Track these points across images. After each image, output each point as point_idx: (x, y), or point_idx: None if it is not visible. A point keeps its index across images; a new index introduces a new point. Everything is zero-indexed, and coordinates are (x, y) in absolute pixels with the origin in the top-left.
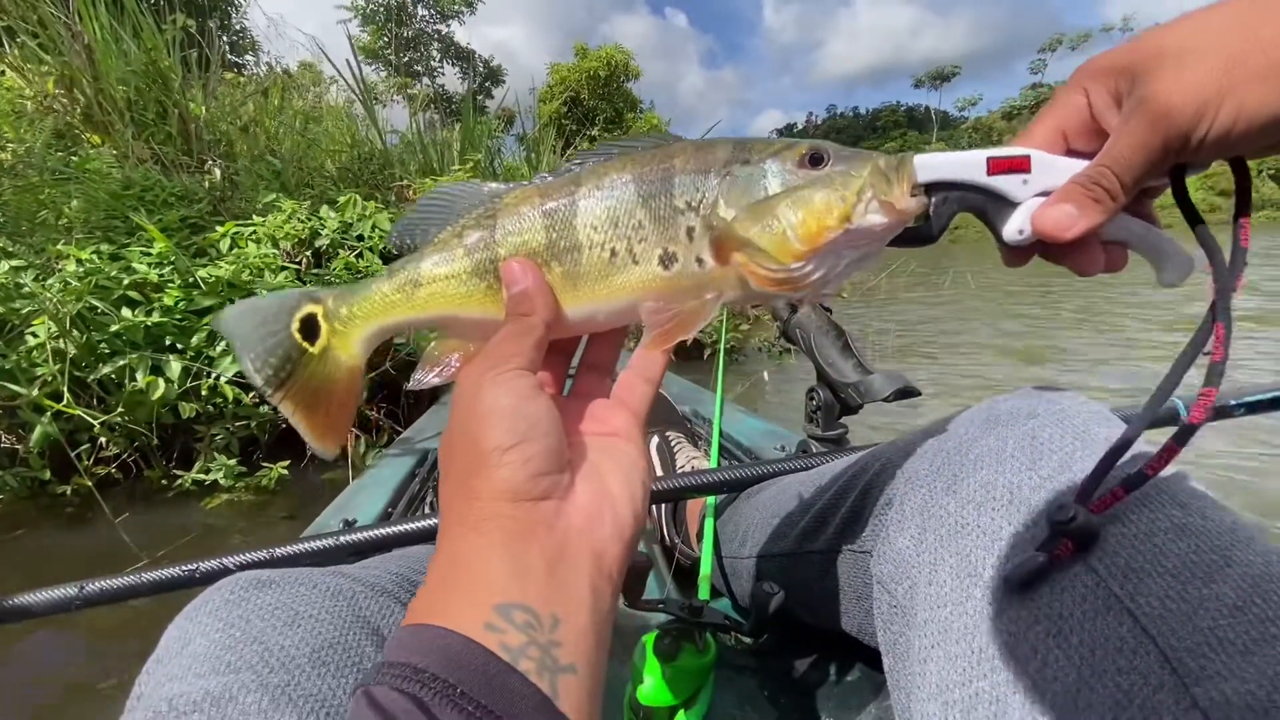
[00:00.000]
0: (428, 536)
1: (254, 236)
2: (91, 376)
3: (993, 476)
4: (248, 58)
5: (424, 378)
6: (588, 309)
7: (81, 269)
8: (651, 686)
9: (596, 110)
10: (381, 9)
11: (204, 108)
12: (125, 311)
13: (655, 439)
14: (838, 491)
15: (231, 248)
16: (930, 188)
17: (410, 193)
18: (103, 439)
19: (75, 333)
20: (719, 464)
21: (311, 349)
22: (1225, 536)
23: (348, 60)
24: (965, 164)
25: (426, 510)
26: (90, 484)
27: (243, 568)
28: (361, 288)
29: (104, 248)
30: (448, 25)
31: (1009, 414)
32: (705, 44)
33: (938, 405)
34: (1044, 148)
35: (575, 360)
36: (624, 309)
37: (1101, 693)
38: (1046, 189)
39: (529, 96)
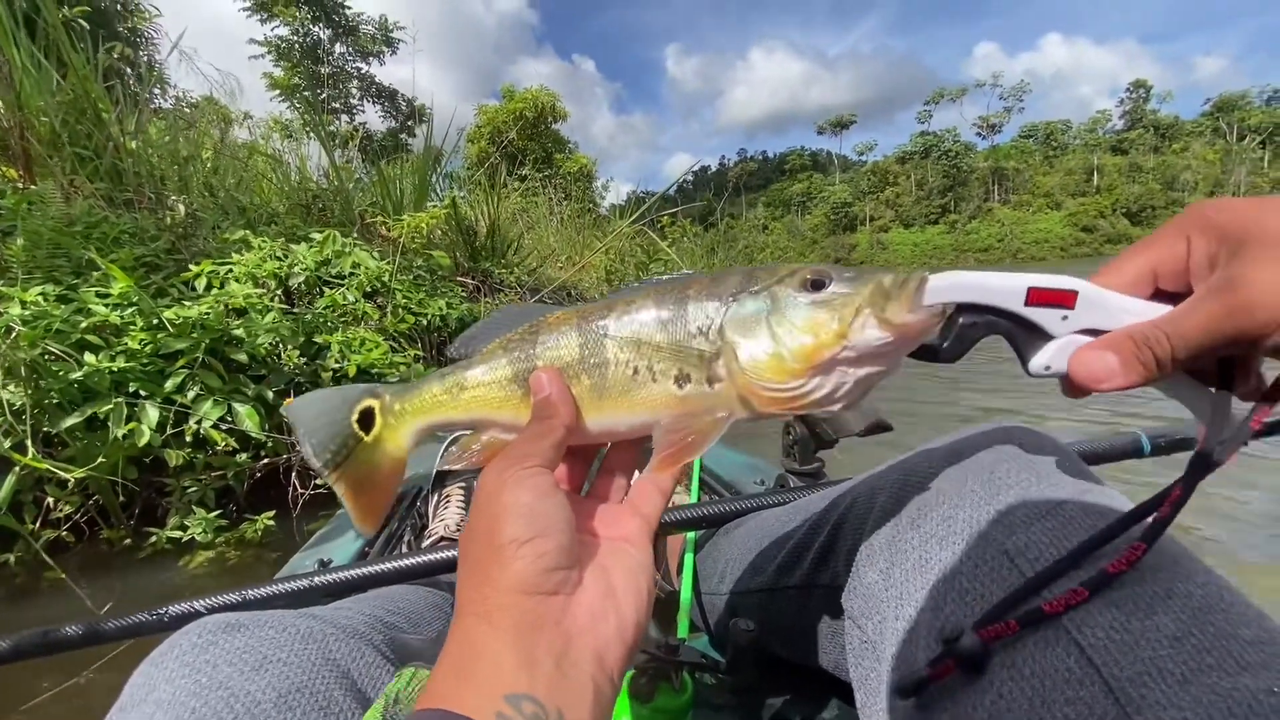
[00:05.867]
0: (404, 576)
1: (232, 275)
2: (57, 427)
3: (953, 511)
4: (154, 91)
5: (453, 463)
6: (610, 420)
7: (28, 312)
8: None
9: (526, 150)
10: (297, 46)
11: (134, 141)
12: (89, 357)
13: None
14: (811, 527)
15: (208, 287)
16: (962, 308)
17: (384, 229)
18: (51, 498)
19: (22, 381)
20: (699, 498)
21: (366, 438)
22: (1168, 569)
23: (307, 105)
24: (1004, 291)
25: (404, 549)
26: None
27: (213, 610)
28: (414, 388)
29: (50, 289)
30: (368, 64)
31: (970, 448)
32: (614, 90)
33: (909, 437)
34: (1134, 282)
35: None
36: (642, 423)
37: None
38: (1089, 326)
39: (453, 134)
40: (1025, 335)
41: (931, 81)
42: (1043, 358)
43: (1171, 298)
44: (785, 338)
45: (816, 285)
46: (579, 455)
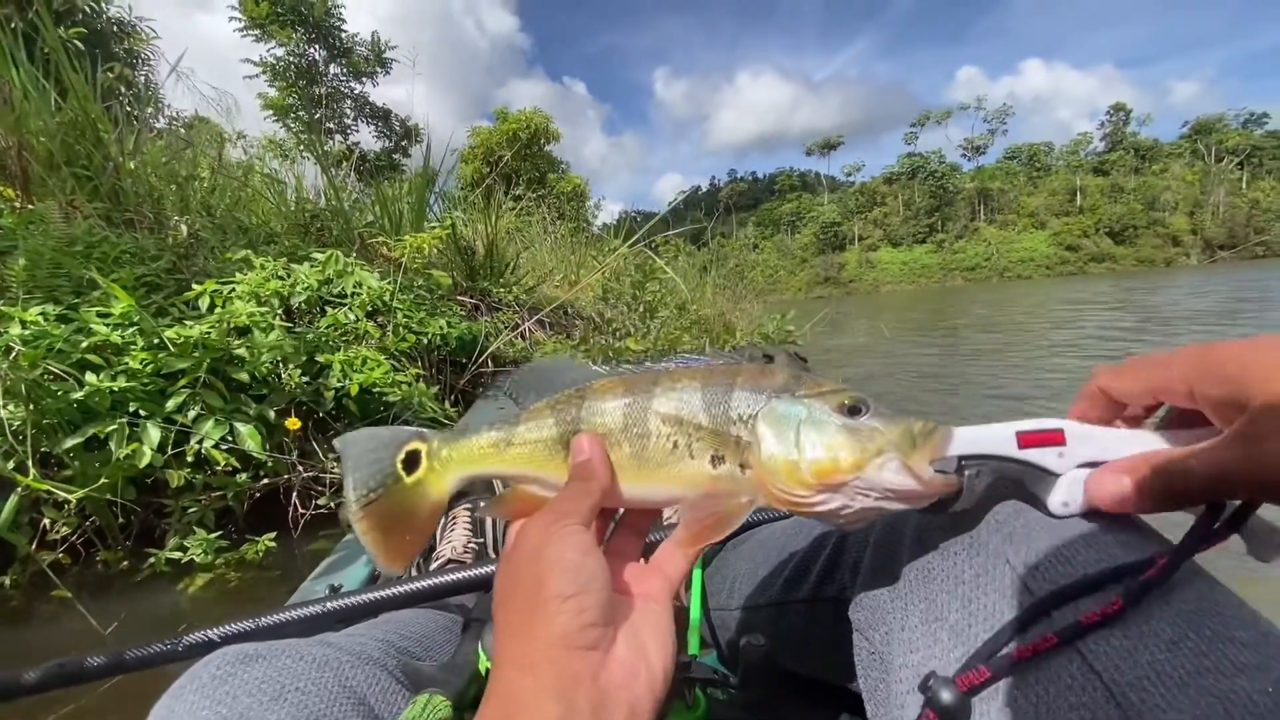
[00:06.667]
0: (414, 600)
1: (234, 294)
2: (57, 447)
3: (955, 522)
4: (148, 111)
5: (484, 512)
6: (643, 489)
7: (28, 332)
8: None
9: (520, 171)
10: (292, 66)
11: (132, 161)
12: (90, 377)
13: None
14: (817, 540)
15: (211, 307)
16: (963, 460)
17: (385, 249)
18: (48, 519)
19: (22, 401)
20: None
21: (407, 480)
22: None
23: (304, 125)
24: (995, 439)
25: (413, 573)
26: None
27: (227, 640)
28: (463, 436)
29: (49, 309)
30: (361, 84)
31: None
32: (605, 112)
33: None
34: (1137, 394)
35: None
36: (673, 496)
37: None
38: (1087, 460)
39: (448, 156)
40: (1032, 477)
41: (916, 104)
42: (1057, 497)
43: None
44: (807, 449)
45: (853, 411)
46: (601, 514)
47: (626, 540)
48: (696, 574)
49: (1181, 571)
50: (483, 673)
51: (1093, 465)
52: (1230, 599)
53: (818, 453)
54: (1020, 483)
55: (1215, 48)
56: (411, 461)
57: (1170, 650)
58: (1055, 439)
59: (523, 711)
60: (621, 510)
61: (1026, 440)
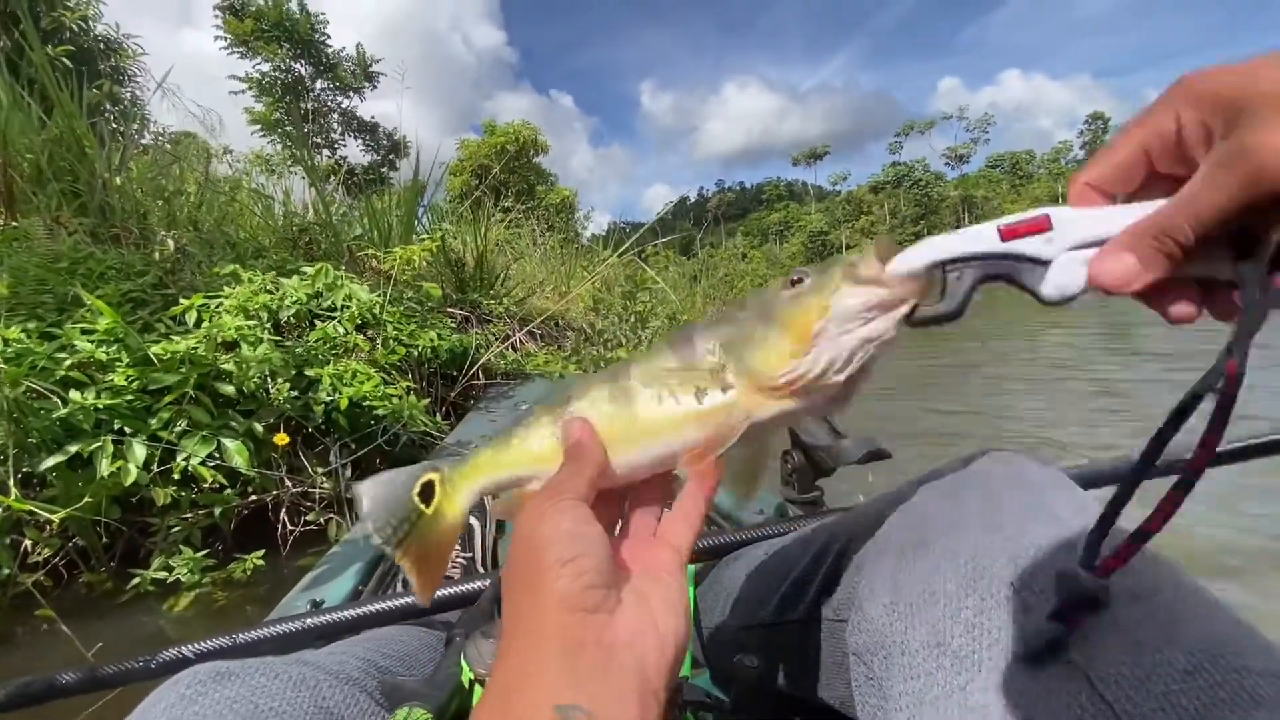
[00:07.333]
0: (399, 616)
1: (222, 309)
2: (38, 467)
3: (954, 544)
4: (135, 127)
5: (500, 514)
6: (639, 451)
7: (10, 349)
8: None
9: (508, 183)
10: (279, 82)
11: (118, 177)
12: (74, 394)
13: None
14: (813, 559)
15: (199, 321)
16: (946, 266)
17: (375, 262)
18: (30, 540)
19: (4, 419)
20: None
21: (427, 510)
22: (1178, 601)
23: (291, 139)
24: (975, 238)
25: (399, 589)
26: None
27: (202, 657)
28: (467, 455)
29: (32, 326)
30: (349, 98)
31: (968, 479)
32: (592, 124)
33: (910, 464)
34: (1128, 163)
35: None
36: (670, 448)
37: None
38: (1079, 241)
39: (436, 168)
40: (1021, 269)
41: (900, 114)
42: (1050, 283)
43: (1163, 180)
44: (776, 324)
45: (796, 282)
46: (609, 499)
47: (639, 520)
48: (689, 591)
49: (1193, 598)
50: (465, 685)
51: (1085, 246)
52: (1243, 628)
53: (785, 321)
54: (1009, 277)
55: (1191, 57)
56: (428, 492)
57: (1185, 681)
58: (1040, 226)
59: (526, 675)
60: (628, 505)
61: (1010, 232)
